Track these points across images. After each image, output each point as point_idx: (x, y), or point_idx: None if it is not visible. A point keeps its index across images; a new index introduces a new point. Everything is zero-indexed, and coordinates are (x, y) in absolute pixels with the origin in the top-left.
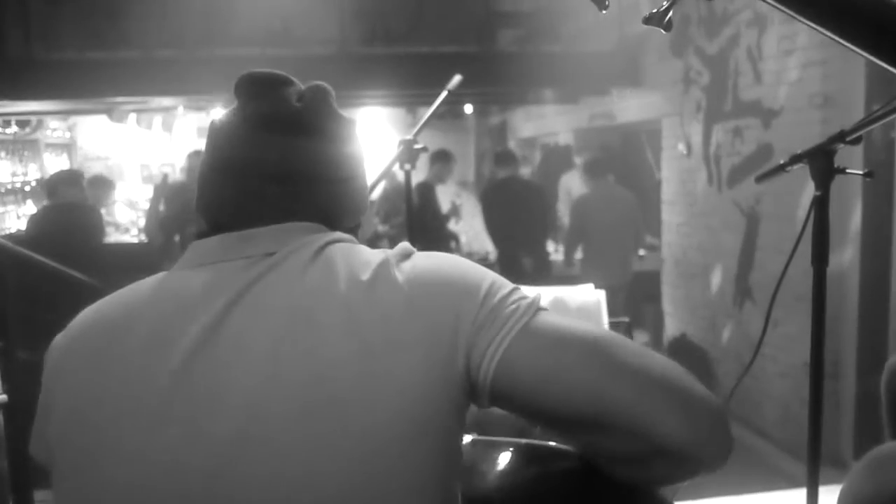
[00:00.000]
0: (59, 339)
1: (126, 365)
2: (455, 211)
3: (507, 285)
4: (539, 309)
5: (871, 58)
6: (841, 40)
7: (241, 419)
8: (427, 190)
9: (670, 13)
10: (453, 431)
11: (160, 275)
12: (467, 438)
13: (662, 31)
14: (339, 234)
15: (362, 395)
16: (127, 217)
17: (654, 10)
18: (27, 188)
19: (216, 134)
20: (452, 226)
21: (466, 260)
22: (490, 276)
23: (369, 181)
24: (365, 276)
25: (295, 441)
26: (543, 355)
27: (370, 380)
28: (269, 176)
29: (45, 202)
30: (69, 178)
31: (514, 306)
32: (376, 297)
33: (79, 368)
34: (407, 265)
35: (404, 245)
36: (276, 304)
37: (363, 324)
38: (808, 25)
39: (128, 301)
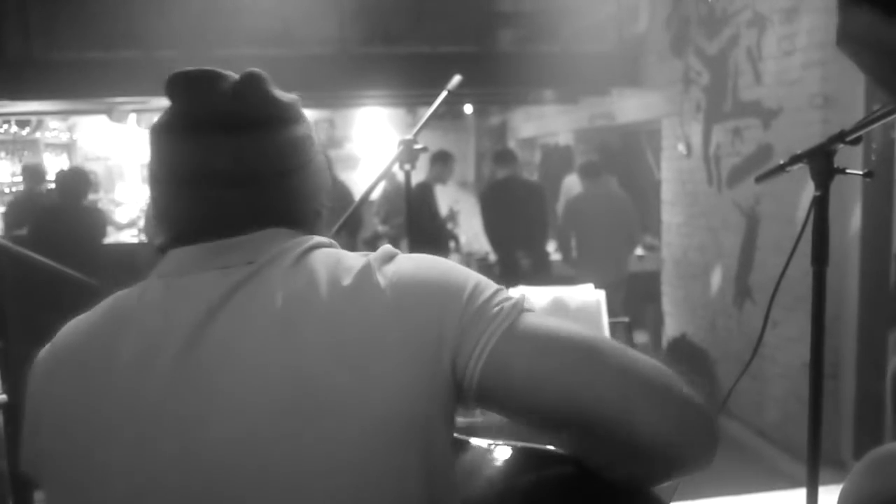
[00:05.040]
0: (45, 352)
1: (115, 378)
2: (453, 217)
3: (491, 286)
4: (524, 310)
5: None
6: None
7: (233, 432)
8: (426, 190)
9: None
10: (442, 433)
11: (141, 285)
12: (471, 442)
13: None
14: (318, 239)
15: (350, 403)
16: (126, 216)
17: None
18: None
19: (158, 141)
20: (452, 227)
21: (450, 261)
22: (474, 277)
23: (369, 181)
24: (347, 282)
25: (287, 452)
26: (529, 356)
27: (357, 388)
28: (222, 181)
29: (50, 200)
30: (75, 178)
31: (498, 307)
32: (359, 304)
33: (67, 382)
34: (390, 269)
35: (386, 248)
36: (259, 314)
37: (347, 332)
38: None
39: (113, 313)
